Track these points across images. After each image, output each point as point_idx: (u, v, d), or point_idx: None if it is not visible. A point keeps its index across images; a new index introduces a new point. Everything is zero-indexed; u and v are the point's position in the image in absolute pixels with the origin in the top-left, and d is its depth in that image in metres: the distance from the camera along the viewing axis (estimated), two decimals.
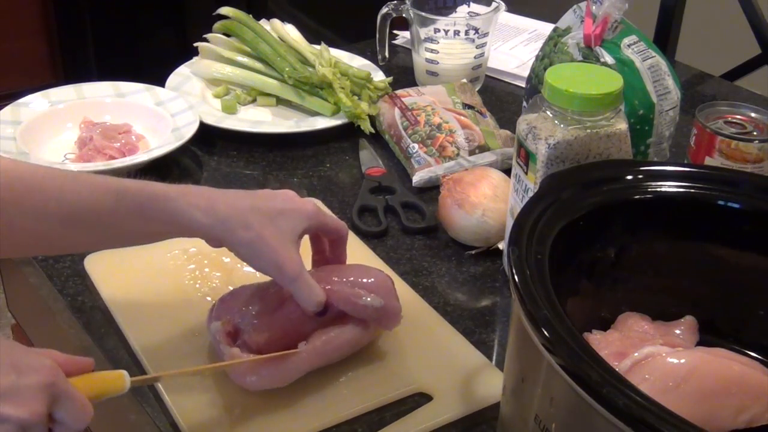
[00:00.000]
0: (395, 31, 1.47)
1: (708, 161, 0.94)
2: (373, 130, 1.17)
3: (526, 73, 1.12)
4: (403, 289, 0.87)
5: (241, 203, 0.73)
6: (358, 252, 0.94)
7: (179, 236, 0.76)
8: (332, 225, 0.79)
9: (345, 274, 0.78)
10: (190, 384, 0.76)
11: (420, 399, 0.76)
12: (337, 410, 0.75)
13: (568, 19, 1.04)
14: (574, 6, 1.03)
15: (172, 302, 0.85)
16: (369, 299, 0.76)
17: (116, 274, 0.88)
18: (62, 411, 0.61)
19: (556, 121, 0.78)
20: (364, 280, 0.77)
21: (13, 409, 0.57)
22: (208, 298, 0.85)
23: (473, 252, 0.95)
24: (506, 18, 1.51)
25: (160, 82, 1.23)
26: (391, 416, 0.75)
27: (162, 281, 0.87)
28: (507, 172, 0.92)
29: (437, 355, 0.81)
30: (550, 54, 1.04)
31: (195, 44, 1.29)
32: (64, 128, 1.14)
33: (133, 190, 0.72)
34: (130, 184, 0.72)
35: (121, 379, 0.66)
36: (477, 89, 1.26)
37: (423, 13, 1.25)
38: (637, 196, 0.70)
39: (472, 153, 1.08)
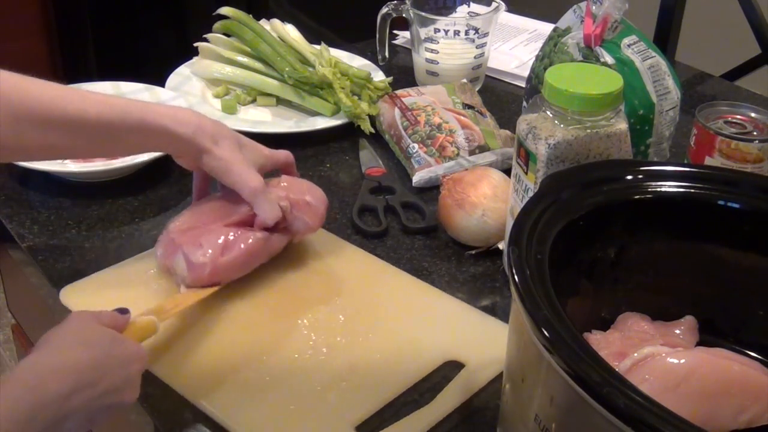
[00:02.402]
0: (395, 31, 1.47)
1: (708, 161, 0.94)
2: (373, 130, 1.17)
3: (526, 73, 1.12)
4: (404, 276, 0.92)
5: (222, 130, 0.88)
6: (358, 252, 0.94)
7: (169, 149, 0.89)
8: (282, 159, 0.94)
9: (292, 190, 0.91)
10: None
11: (451, 369, 0.80)
12: (382, 392, 0.77)
13: (568, 19, 1.04)
14: (574, 6, 1.03)
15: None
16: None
17: (94, 306, 0.85)
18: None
19: (556, 121, 0.78)
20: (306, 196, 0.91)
21: (129, 395, 0.69)
22: None
23: (473, 252, 0.95)
24: (506, 18, 1.51)
25: (160, 82, 1.23)
26: (429, 388, 0.77)
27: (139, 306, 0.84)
28: (507, 172, 0.92)
29: (454, 325, 0.85)
30: (550, 54, 1.04)
31: (195, 44, 1.29)
32: None
33: (135, 108, 0.84)
34: (132, 103, 0.85)
35: (153, 324, 0.78)
36: (477, 89, 1.26)
37: (423, 13, 1.25)
38: (637, 196, 0.70)
39: (472, 153, 1.08)
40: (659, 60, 0.98)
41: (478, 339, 0.83)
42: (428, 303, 0.88)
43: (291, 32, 1.29)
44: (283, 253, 0.91)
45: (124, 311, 0.75)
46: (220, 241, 0.84)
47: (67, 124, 0.79)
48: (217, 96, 1.24)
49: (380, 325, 0.84)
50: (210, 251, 0.84)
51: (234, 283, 0.87)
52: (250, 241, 0.86)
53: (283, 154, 0.94)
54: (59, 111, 0.79)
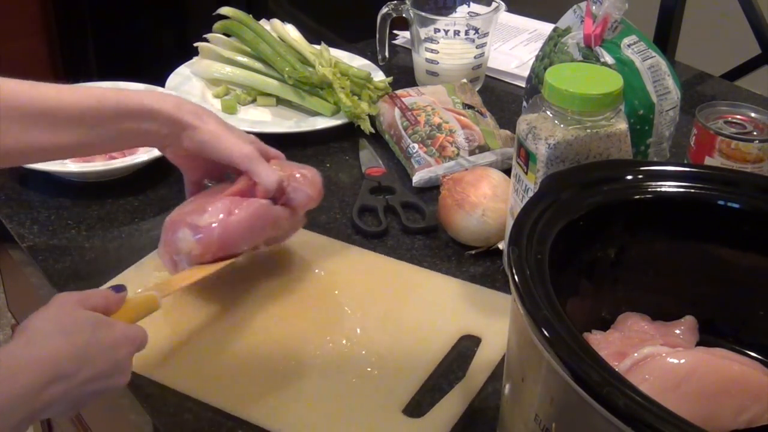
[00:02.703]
0: (395, 31, 1.47)
1: (708, 161, 0.94)
2: (373, 130, 1.17)
3: (526, 73, 1.12)
4: (406, 266, 0.94)
5: (204, 109, 0.86)
6: (358, 252, 0.94)
7: (151, 133, 0.83)
8: (272, 152, 0.90)
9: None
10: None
11: (467, 342, 0.83)
12: (413, 374, 0.79)
13: (568, 19, 1.04)
14: (574, 6, 1.03)
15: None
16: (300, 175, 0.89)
17: None
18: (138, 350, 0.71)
19: (556, 121, 0.78)
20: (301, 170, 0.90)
21: (119, 379, 0.68)
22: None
23: (473, 252, 0.95)
24: (506, 18, 1.51)
25: (160, 82, 1.23)
26: (455, 363, 0.81)
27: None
28: (507, 172, 0.92)
29: (462, 303, 0.88)
30: (550, 54, 1.04)
31: (195, 44, 1.29)
32: None
33: (111, 93, 0.82)
34: (108, 89, 0.83)
35: (154, 300, 0.75)
36: (477, 89, 1.26)
37: (423, 13, 1.25)
38: (637, 196, 0.70)
39: (472, 153, 1.08)
40: (659, 60, 0.98)
41: (488, 312, 0.86)
42: (434, 286, 0.90)
43: (291, 32, 1.29)
44: (285, 257, 0.92)
45: (119, 288, 0.73)
46: (225, 205, 0.82)
47: (45, 116, 0.77)
48: (217, 96, 1.24)
49: (392, 313, 0.86)
50: (218, 214, 0.81)
51: (240, 287, 0.87)
52: (255, 204, 0.83)
53: (273, 149, 0.92)
54: (38, 103, 0.77)
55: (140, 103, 0.81)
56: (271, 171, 0.85)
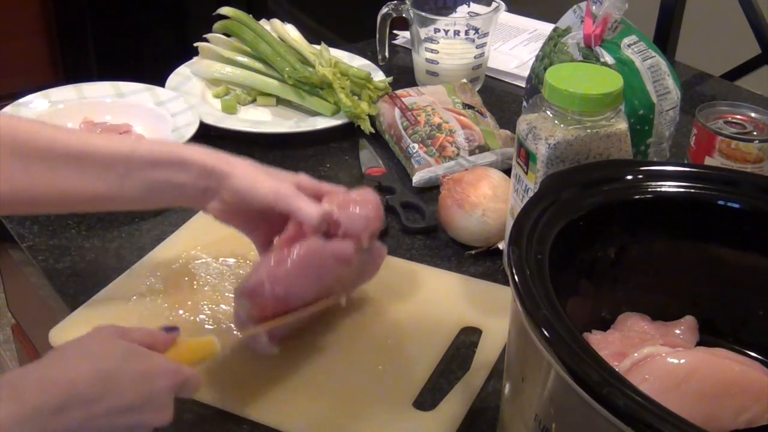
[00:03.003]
0: (395, 31, 1.47)
1: (708, 161, 0.94)
2: (373, 130, 1.17)
3: (526, 73, 1.12)
4: (403, 263, 0.94)
5: (235, 158, 0.79)
6: None
7: (187, 183, 0.77)
8: (326, 188, 0.81)
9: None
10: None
11: (468, 335, 0.84)
12: (418, 367, 0.80)
13: (568, 19, 1.04)
14: (574, 6, 1.03)
15: None
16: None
17: None
18: (184, 392, 0.67)
19: (556, 121, 0.78)
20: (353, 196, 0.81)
21: (152, 416, 0.63)
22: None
23: (473, 252, 0.95)
24: (506, 18, 1.51)
25: (160, 82, 1.23)
26: (457, 355, 0.82)
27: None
28: (507, 172, 0.92)
29: (461, 296, 0.88)
30: (550, 54, 1.04)
31: (195, 44, 1.29)
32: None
33: (146, 141, 0.79)
34: (143, 140, 0.79)
35: (212, 344, 0.71)
36: (477, 89, 1.26)
37: (423, 13, 1.25)
38: (637, 196, 0.70)
39: (472, 153, 1.08)
40: (659, 60, 0.98)
41: (487, 304, 0.87)
42: (432, 281, 0.91)
43: (291, 32, 1.29)
44: None
45: (172, 329, 0.69)
46: (272, 258, 0.75)
47: (76, 159, 0.74)
48: (217, 96, 1.24)
49: (391, 308, 0.86)
50: (266, 268, 0.74)
51: None
52: (304, 247, 0.75)
53: (327, 185, 0.83)
54: (69, 146, 0.74)
55: (171, 151, 0.77)
56: (312, 204, 0.76)
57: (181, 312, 0.85)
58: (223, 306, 0.85)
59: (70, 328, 0.82)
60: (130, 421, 0.62)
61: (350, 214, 0.78)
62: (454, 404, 0.76)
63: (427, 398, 0.77)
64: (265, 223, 0.80)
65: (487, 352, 0.82)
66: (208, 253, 0.92)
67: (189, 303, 0.86)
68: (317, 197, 0.79)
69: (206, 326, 0.83)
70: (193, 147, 0.79)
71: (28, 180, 0.74)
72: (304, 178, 0.81)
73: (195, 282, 0.88)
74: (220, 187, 0.77)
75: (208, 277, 0.89)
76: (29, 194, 0.75)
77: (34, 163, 0.74)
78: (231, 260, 0.91)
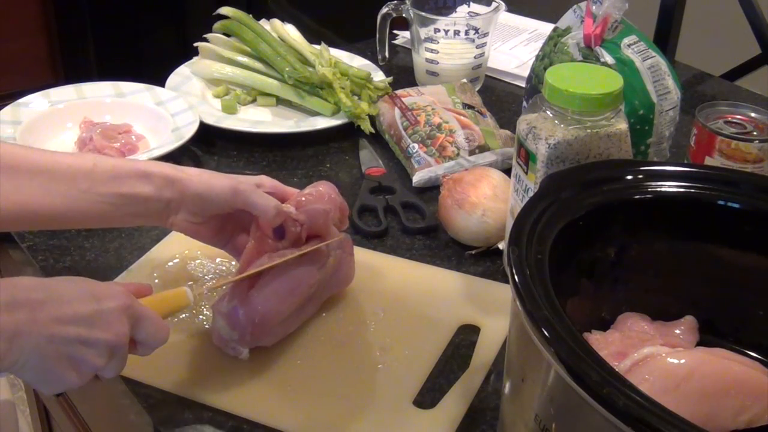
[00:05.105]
0: (395, 31, 1.47)
1: (708, 161, 0.94)
2: (373, 130, 1.17)
3: (526, 73, 1.12)
4: (403, 262, 0.94)
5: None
6: (358, 252, 0.94)
7: (151, 196, 0.78)
8: (290, 191, 0.84)
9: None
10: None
11: (467, 332, 0.85)
12: (418, 365, 0.80)
13: (568, 19, 1.04)
14: (574, 6, 1.03)
15: None
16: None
17: None
18: (143, 331, 0.67)
19: (556, 121, 0.78)
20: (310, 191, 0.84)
21: (101, 333, 0.63)
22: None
23: (473, 252, 0.95)
24: (506, 18, 1.51)
25: (160, 82, 1.23)
26: (457, 353, 0.82)
27: None
28: (507, 172, 0.92)
29: (460, 294, 0.89)
30: (550, 54, 1.04)
31: (195, 44, 1.30)
32: (64, 128, 1.14)
33: (108, 158, 0.80)
34: (106, 157, 0.80)
35: (184, 295, 0.72)
36: (477, 89, 1.26)
37: (423, 13, 1.25)
38: (637, 196, 0.70)
39: (472, 153, 1.08)
40: (659, 60, 0.98)
41: (485, 301, 0.88)
42: (430, 279, 0.91)
43: (291, 32, 1.29)
44: None
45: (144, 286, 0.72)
46: (242, 283, 0.77)
47: (39, 174, 0.74)
48: (217, 96, 1.24)
49: (391, 306, 0.87)
50: (238, 294, 0.76)
51: None
52: (273, 263, 0.77)
53: (290, 189, 0.85)
54: (31, 161, 0.75)
55: (132, 165, 0.78)
56: (268, 198, 0.78)
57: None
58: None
59: None
60: (82, 335, 0.62)
61: (308, 210, 0.81)
62: (454, 402, 0.76)
63: (427, 397, 0.77)
64: (236, 233, 0.83)
65: (486, 349, 0.82)
66: (204, 254, 0.92)
67: None
68: (280, 199, 0.81)
69: (205, 326, 0.83)
70: (153, 161, 0.81)
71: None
72: (264, 179, 0.83)
73: (192, 282, 0.88)
74: (182, 197, 0.78)
75: (205, 277, 0.89)
76: None
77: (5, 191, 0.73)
78: (227, 261, 0.91)
